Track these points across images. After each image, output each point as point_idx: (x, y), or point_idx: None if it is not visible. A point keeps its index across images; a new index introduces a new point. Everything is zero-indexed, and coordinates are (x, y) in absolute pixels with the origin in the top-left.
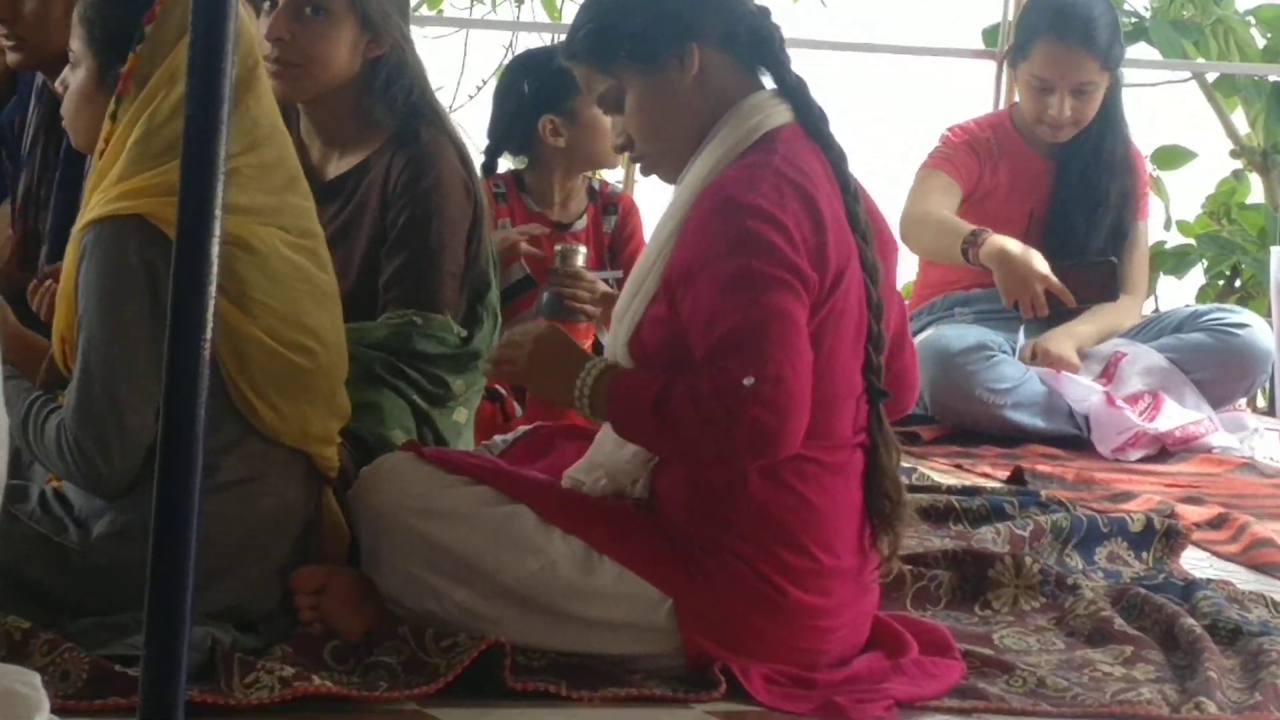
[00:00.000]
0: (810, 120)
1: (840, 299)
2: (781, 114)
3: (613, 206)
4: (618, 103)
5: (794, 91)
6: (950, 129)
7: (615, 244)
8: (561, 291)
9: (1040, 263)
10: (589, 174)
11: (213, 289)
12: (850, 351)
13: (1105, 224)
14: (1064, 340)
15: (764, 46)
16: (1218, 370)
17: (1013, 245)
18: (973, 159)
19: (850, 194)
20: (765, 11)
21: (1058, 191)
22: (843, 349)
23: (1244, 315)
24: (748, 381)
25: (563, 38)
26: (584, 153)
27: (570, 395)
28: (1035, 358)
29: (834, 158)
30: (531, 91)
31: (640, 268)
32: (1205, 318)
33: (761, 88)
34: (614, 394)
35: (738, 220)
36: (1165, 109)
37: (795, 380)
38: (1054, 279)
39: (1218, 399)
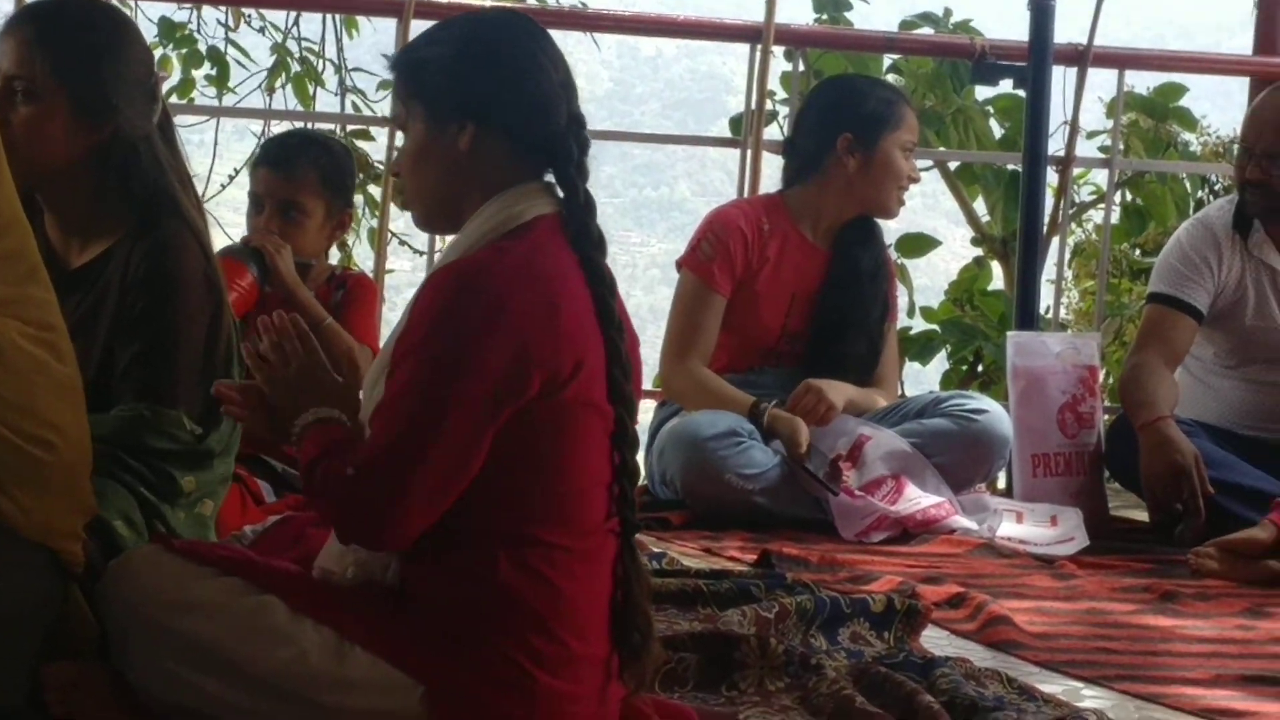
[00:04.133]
0: (572, 211)
1: (581, 388)
2: (544, 204)
3: (341, 284)
4: (402, 129)
5: (565, 187)
6: (716, 213)
7: (339, 315)
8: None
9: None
10: (333, 264)
11: None
12: (598, 440)
13: (876, 306)
14: (838, 389)
15: (558, 157)
16: (959, 454)
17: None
18: (739, 251)
19: (603, 285)
20: (577, 124)
21: (833, 273)
22: (588, 437)
23: (983, 401)
24: (350, 471)
25: (316, 126)
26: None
27: (291, 428)
28: (808, 393)
29: (590, 249)
30: None
31: (389, 340)
32: (946, 404)
33: (539, 180)
34: (304, 443)
35: (455, 317)
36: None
37: (399, 485)
38: None
39: (959, 482)
